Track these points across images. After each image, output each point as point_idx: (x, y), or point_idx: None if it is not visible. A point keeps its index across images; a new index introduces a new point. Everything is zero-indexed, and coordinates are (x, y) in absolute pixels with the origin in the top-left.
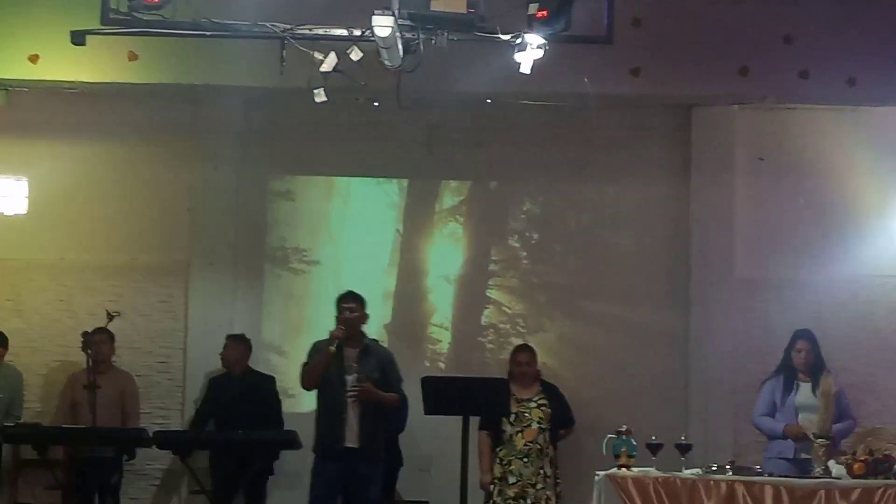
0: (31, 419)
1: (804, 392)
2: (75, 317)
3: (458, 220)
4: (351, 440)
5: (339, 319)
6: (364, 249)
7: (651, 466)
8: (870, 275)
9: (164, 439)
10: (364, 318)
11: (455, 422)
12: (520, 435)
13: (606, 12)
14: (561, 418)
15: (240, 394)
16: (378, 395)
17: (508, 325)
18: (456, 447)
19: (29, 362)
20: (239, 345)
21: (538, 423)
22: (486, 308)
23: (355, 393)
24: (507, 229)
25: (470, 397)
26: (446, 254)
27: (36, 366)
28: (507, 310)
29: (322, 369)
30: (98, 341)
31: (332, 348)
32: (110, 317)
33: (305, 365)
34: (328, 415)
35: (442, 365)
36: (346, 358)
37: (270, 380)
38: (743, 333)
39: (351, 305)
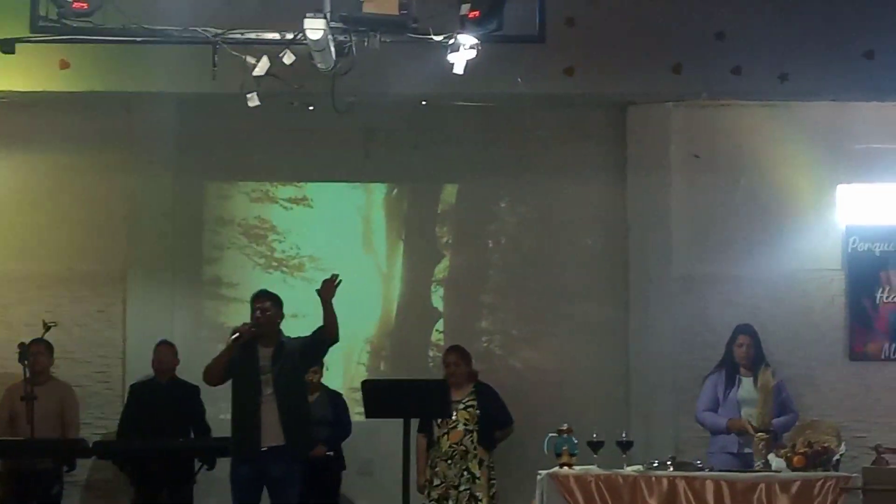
0: None
1: (746, 386)
2: (12, 328)
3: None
4: (270, 439)
5: (253, 319)
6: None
7: (593, 464)
8: (807, 269)
9: (105, 449)
10: (279, 316)
11: (396, 424)
12: (445, 437)
13: (538, 12)
14: (495, 419)
15: (164, 402)
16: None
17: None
18: (397, 450)
19: None
20: (171, 350)
21: (464, 424)
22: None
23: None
24: (445, 230)
25: (410, 400)
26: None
27: None
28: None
29: (223, 362)
30: (35, 352)
31: (231, 339)
32: (47, 327)
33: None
34: (242, 417)
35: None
36: (261, 358)
37: (195, 389)
38: (682, 330)
39: (265, 304)
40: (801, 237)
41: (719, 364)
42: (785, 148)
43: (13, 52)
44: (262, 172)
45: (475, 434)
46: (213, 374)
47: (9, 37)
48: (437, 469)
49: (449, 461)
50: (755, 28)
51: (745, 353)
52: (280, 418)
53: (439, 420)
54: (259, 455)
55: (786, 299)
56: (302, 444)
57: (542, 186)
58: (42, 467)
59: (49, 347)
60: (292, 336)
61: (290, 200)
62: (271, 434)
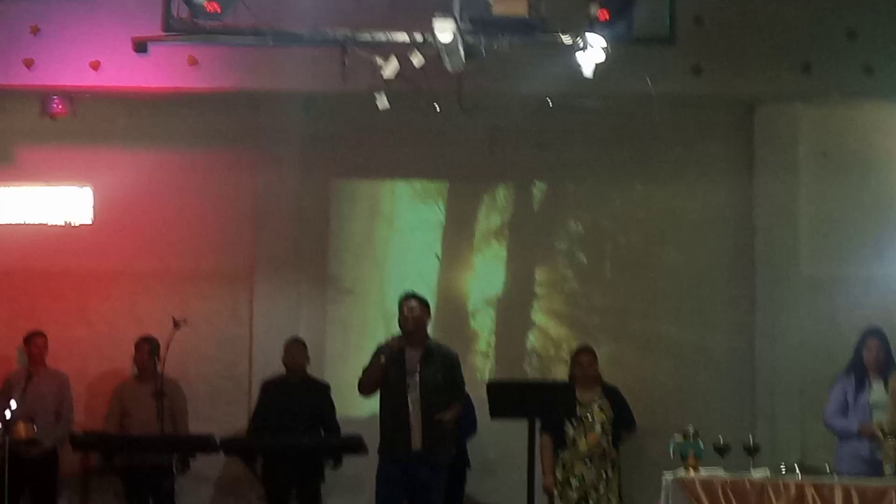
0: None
1: (878, 390)
2: (141, 324)
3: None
4: (415, 443)
5: (401, 320)
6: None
7: (717, 465)
8: None
9: (232, 445)
10: (427, 318)
11: (521, 425)
12: (583, 438)
13: (668, 12)
14: (622, 420)
15: (295, 400)
16: (453, 420)
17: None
18: (522, 450)
19: (95, 370)
20: (301, 348)
21: (601, 425)
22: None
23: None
24: (579, 227)
25: (535, 400)
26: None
27: (102, 373)
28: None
29: (376, 378)
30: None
31: (383, 359)
32: (177, 324)
33: (365, 369)
34: (392, 418)
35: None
36: (409, 360)
37: (325, 387)
38: (809, 332)
39: (412, 305)
40: None
41: (848, 368)
42: None
43: (147, 52)
44: (387, 171)
45: (610, 435)
46: (368, 388)
47: (141, 35)
48: (574, 470)
49: (588, 462)
50: (887, 27)
51: (874, 357)
52: (422, 423)
53: (574, 421)
54: (409, 456)
55: None
56: (445, 449)
57: (669, 187)
58: (155, 462)
59: (155, 346)
60: (440, 343)
61: (416, 198)
62: (419, 437)
